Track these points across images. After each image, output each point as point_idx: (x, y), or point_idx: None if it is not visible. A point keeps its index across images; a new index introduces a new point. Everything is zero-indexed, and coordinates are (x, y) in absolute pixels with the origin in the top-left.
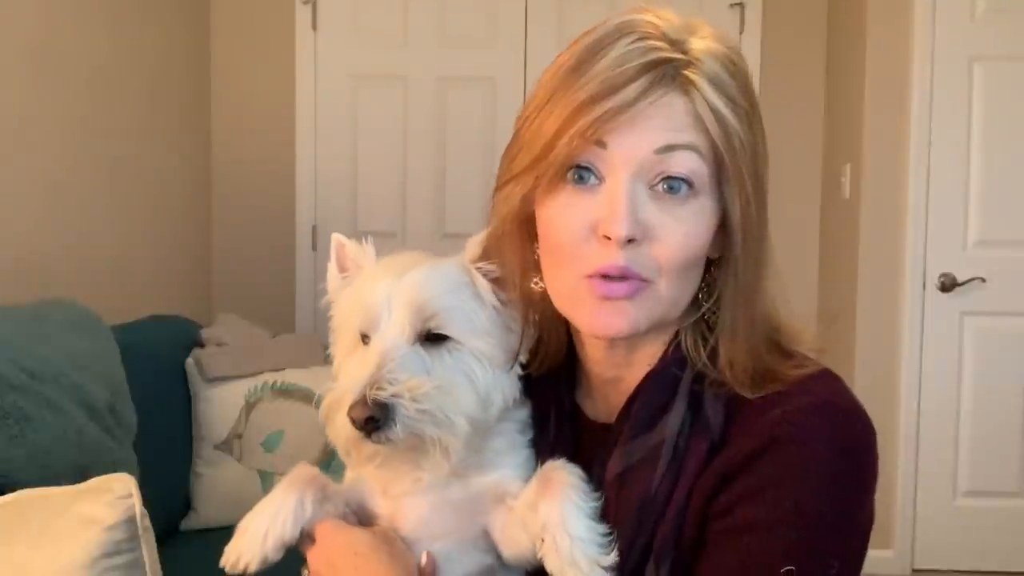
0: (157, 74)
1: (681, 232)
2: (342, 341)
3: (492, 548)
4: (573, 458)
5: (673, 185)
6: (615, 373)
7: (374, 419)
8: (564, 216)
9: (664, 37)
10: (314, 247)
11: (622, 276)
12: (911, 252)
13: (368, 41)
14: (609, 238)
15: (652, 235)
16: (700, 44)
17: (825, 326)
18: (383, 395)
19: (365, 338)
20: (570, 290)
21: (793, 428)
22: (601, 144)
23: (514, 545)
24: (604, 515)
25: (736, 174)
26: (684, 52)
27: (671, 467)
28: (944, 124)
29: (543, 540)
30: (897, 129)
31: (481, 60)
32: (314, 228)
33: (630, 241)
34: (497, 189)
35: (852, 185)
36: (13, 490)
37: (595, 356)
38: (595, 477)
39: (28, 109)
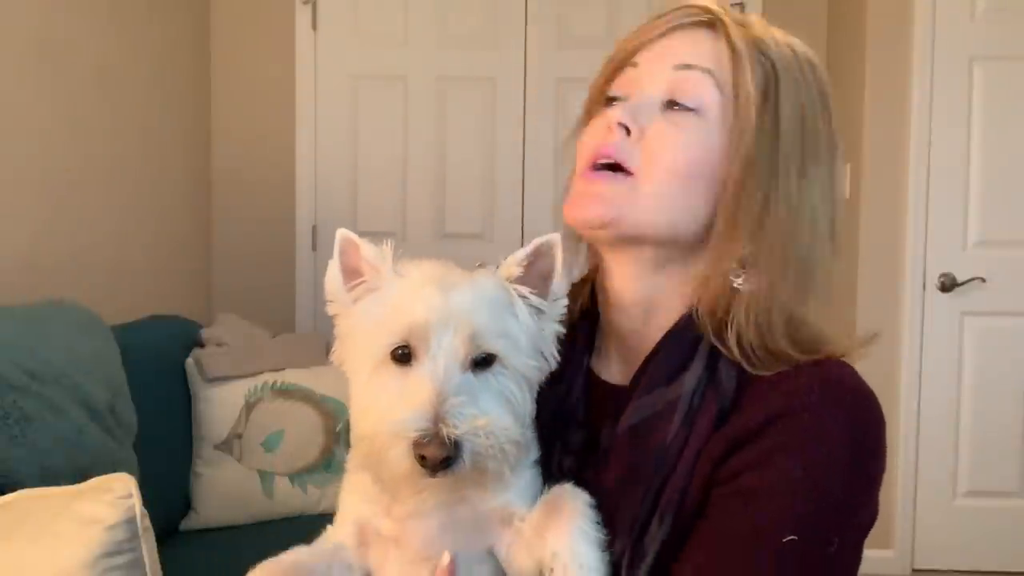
0: (157, 74)
1: (673, 135)
2: (366, 356)
3: (498, 563)
4: (585, 416)
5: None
6: (633, 326)
7: (449, 458)
8: (593, 124)
9: (722, 13)
10: (314, 247)
11: (611, 165)
12: (911, 252)
13: (368, 41)
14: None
15: (647, 135)
16: (762, 28)
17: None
18: (457, 433)
19: (402, 356)
20: (571, 190)
21: (808, 400)
22: (633, 64)
23: (519, 567)
24: (614, 467)
25: (741, 125)
26: (742, 24)
27: (685, 422)
28: (944, 124)
29: (552, 570)
30: (897, 129)
31: (481, 60)
32: (314, 228)
33: (627, 132)
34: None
35: (852, 185)
36: (13, 490)
37: (619, 300)
38: (606, 434)
39: (29, 109)
